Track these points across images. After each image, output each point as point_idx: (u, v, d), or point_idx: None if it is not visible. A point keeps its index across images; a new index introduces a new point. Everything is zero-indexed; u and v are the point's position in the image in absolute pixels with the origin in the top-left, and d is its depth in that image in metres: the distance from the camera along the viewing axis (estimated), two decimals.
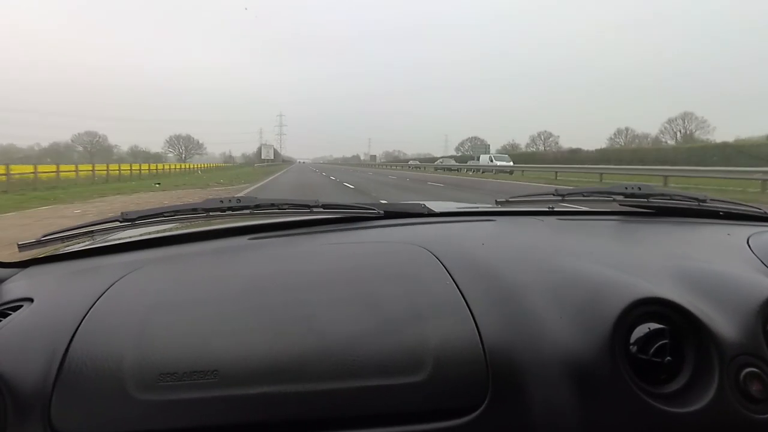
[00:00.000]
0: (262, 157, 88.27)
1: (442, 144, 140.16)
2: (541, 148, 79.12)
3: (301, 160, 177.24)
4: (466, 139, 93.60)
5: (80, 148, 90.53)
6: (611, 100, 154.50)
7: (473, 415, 0.66)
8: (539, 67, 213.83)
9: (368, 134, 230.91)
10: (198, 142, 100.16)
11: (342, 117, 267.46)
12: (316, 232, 1.06)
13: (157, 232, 1.08)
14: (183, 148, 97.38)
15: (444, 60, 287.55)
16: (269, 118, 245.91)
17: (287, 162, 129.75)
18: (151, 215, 1.02)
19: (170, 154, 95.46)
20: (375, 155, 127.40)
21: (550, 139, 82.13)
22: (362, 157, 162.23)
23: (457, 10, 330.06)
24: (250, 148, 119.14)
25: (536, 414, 0.66)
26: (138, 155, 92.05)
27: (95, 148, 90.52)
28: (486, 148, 42.32)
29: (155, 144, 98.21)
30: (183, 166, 48.06)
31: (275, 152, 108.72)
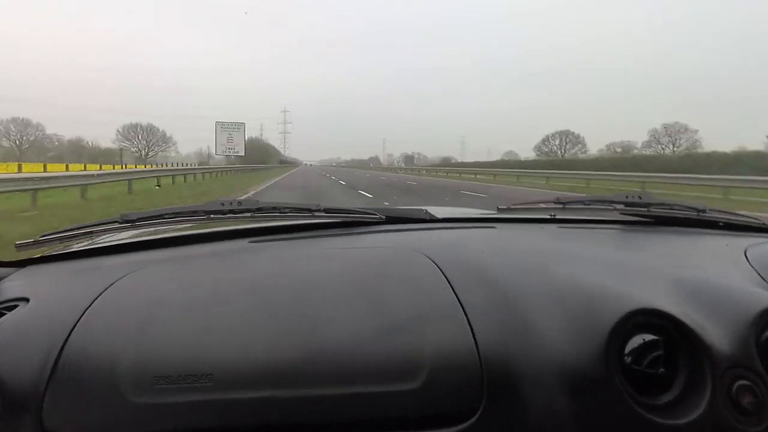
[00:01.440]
0: (217, 153, 51.94)
1: (458, 145, 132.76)
2: (670, 148, 52.94)
3: (308, 162, 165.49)
4: (554, 134, 67.61)
5: (6, 143, 64.97)
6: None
7: (469, 422, 0.66)
8: (554, 66, 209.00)
9: (377, 136, 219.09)
10: (164, 134, 72.22)
11: (350, 118, 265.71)
12: (317, 236, 1.06)
13: (157, 233, 1.08)
14: (144, 142, 70.56)
15: (456, 61, 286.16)
16: (273, 114, 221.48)
17: (289, 164, 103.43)
18: (151, 217, 1.02)
19: (127, 150, 69.23)
20: (412, 155, 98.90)
21: (685, 134, 54.22)
22: (382, 160, 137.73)
23: (469, 11, 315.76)
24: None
25: (530, 422, 0.66)
26: (83, 151, 65.71)
27: (26, 141, 64.94)
28: None
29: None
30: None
31: (256, 144, 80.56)
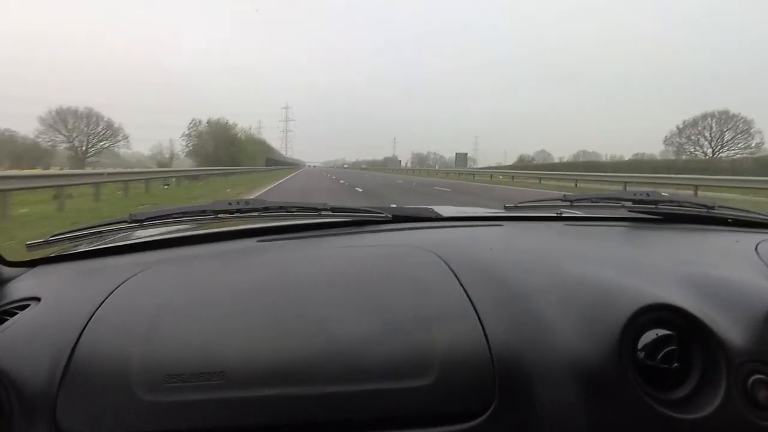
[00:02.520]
0: None
1: (471, 145, 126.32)
2: None
3: (311, 164, 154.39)
4: (701, 117, 41.15)
5: None
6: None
7: (480, 419, 0.66)
8: (568, 69, 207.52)
9: (382, 137, 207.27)
10: (110, 124, 48.28)
11: (352, 119, 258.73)
12: (324, 235, 1.07)
13: (166, 233, 1.09)
14: (80, 135, 46.93)
15: (463, 63, 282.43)
16: (274, 111, 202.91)
17: (289, 166, 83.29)
18: (160, 216, 1.03)
19: (62, 146, 48.20)
20: (465, 153, 60.97)
21: None
22: (404, 163, 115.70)
23: (480, 15, 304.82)
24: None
25: (543, 419, 0.66)
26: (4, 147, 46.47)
27: None
28: None
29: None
30: None
31: (220, 131, 50.97)
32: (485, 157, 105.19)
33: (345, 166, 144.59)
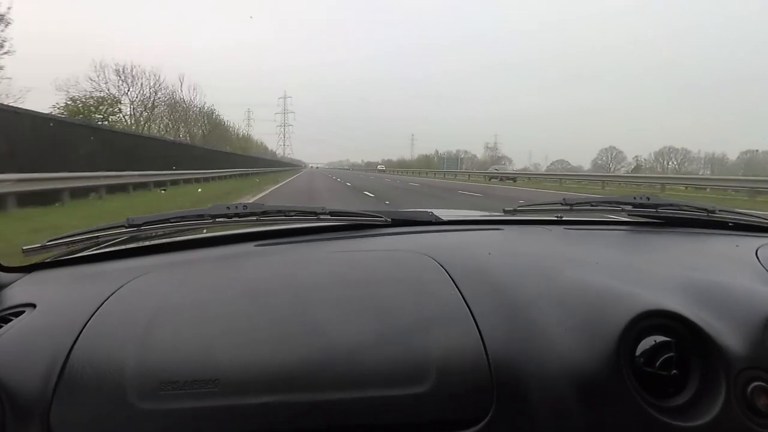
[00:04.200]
0: None
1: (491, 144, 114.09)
2: None
3: (314, 165, 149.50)
4: None
5: None
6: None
7: (478, 427, 0.65)
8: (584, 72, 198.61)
9: (392, 138, 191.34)
10: None
11: (354, 120, 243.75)
12: (322, 240, 1.07)
13: (163, 237, 1.09)
14: None
15: (474, 65, 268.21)
16: (272, 101, 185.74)
17: (283, 168, 65.32)
18: (157, 221, 1.02)
19: None
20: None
21: None
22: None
23: (491, 22, 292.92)
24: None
25: (541, 426, 0.66)
26: None
27: None
28: None
29: None
30: None
31: None
32: (518, 160, 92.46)
33: (380, 166, 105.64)
